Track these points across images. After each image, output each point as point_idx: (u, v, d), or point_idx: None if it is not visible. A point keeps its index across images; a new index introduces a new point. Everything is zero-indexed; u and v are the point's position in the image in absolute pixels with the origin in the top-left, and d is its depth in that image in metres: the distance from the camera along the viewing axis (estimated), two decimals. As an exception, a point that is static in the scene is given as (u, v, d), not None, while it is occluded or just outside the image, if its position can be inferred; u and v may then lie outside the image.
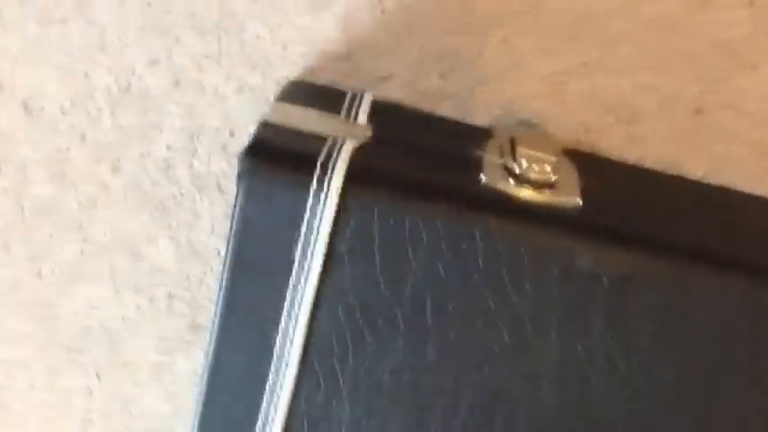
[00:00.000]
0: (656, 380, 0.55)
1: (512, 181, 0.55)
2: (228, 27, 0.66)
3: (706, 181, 0.64)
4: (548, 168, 0.56)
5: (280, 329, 0.57)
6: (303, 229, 0.54)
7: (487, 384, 0.56)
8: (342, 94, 0.63)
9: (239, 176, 0.54)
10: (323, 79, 0.67)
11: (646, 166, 0.65)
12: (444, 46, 0.64)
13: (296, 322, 0.57)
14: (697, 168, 0.65)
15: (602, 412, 0.56)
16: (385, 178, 0.54)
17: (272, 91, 0.67)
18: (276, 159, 0.54)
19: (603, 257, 0.52)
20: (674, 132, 0.64)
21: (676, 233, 0.55)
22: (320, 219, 0.54)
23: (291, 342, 0.57)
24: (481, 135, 0.61)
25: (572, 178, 0.57)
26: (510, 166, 0.56)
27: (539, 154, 0.57)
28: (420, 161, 0.57)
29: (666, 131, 0.64)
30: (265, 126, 0.56)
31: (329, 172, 0.53)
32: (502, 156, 0.57)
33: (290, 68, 0.67)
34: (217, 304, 0.58)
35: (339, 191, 0.53)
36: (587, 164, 0.62)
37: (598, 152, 0.65)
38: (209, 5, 0.65)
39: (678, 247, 0.53)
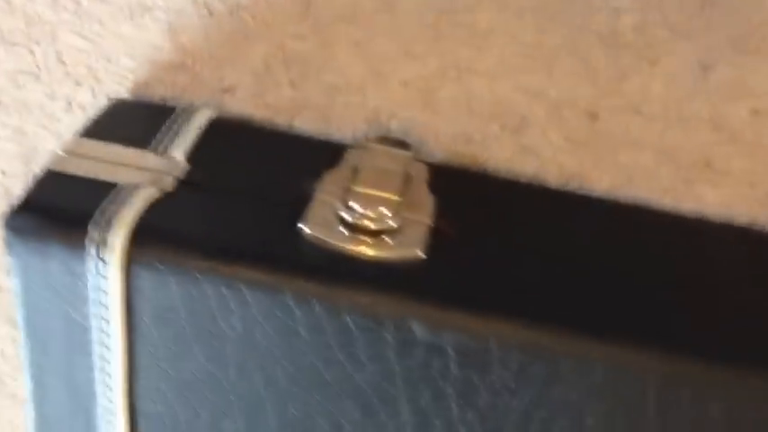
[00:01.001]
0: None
1: (341, 231, 0.45)
2: (39, 38, 0.56)
3: (613, 196, 0.54)
4: (386, 213, 0.45)
5: (101, 407, 0.48)
6: (90, 296, 0.45)
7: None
8: (162, 120, 0.52)
9: (5, 243, 0.45)
10: (158, 94, 0.57)
11: (539, 183, 0.54)
12: (290, 51, 0.54)
13: (115, 403, 0.48)
14: (601, 181, 0.54)
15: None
16: (177, 237, 0.45)
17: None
18: (48, 220, 0.45)
19: (442, 326, 0.42)
20: (569, 141, 0.53)
21: (542, 288, 0.45)
22: (105, 285, 0.44)
23: (115, 425, 0.49)
24: (328, 160, 0.50)
25: (421, 220, 0.46)
26: (340, 212, 0.45)
27: (379, 193, 0.46)
28: (234, 208, 0.47)
29: (561, 140, 0.53)
30: (44, 178, 0.47)
31: (105, 233, 0.44)
32: (336, 197, 0.47)
33: (120, 83, 0.57)
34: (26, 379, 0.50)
35: (120, 254, 0.43)
36: (463, 186, 0.52)
37: (485, 166, 0.54)
38: (13, 13, 0.55)
39: (527, 310, 0.43)
